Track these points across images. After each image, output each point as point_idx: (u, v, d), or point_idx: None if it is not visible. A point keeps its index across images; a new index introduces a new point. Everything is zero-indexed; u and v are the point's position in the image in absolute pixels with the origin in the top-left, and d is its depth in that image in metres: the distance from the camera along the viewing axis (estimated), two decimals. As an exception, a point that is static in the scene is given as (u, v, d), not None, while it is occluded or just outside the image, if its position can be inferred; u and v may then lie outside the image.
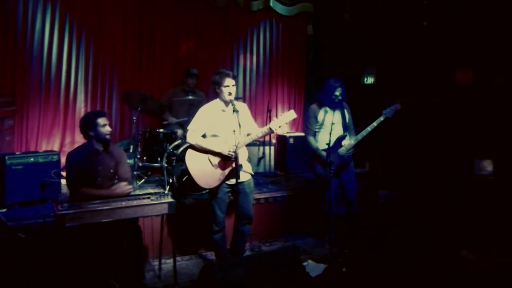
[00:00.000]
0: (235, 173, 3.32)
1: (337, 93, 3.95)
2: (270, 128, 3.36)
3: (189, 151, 3.52)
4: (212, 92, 3.55)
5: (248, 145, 3.56)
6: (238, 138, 3.30)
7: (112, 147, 3.36)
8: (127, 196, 3.19)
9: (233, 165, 3.36)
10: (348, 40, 6.42)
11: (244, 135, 3.45)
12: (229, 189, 3.54)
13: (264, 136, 3.72)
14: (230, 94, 3.40)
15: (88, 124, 3.18)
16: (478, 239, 4.18)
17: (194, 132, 3.45)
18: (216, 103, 3.53)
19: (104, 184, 3.25)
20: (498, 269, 3.58)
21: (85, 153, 3.22)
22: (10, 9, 4.74)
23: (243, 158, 3.48)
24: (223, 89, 3.39)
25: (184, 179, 4.14)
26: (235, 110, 3.32)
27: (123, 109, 5.56)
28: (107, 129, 3.21)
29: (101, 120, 3.19)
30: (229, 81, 3.39)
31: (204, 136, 3.51)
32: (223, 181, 3.47)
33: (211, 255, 4.14)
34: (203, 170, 3.45)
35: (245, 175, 3.53)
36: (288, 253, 3.15)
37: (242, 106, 3.60)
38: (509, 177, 4.88)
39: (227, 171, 3.44)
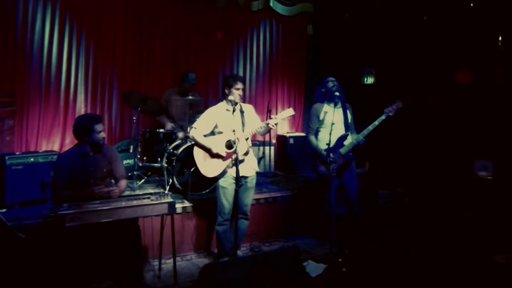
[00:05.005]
0: (239, 166, 3.48)
1: (330, 83, 4.04)
2: (267, 124, 3.58)
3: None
4: (221, 93, 3.80)
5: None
6: (239, 136, 3.53)
7: (105, 148, 3.38)
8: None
9: (233, 157, 3.53)
10: (348, 40, 6.42)
11: (250, 130, 3.68)
12: (234, 181, 3.65)
13: (264, 134, 3.84)
14: (240, 96, 3.69)
15: (84, 130, 3.19)
16: (478, 239, 4.18)
17: (195, 129, 3.73)
18: (222, 104, 3.79)
19: (97, 184, 3.25)
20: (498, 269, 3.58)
21: (76, 155, 3.23)
22: (10, 9, 4.74)
23: (249, 154, 3.76)
24: (235, 91, 3.67)
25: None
26: (237, 110, 3.58)
27: (123, 109, 5.56)
28: (102, 135, 3.26)
29: (98, 127, 3.21)
30: (240, 84, 3.69)
31: (213, 132, 3.78)
32: (225, 171, 3.68)
33: (211, 254, 4.14)
34: (206, 160, 3.70)
35: (251, 171, 3.76)
36: (288, 253, 3.15)
37: (248, 107, 3.89)
38: (509, 177, 4.88)
39: (227, 161, 3.67)
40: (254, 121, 3.80)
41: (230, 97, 3.64)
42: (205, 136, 3.73)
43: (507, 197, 4.65)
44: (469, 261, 3.76)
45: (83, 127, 3.20)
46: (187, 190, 4.33)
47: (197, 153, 3.74)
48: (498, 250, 3.86)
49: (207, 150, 3.68)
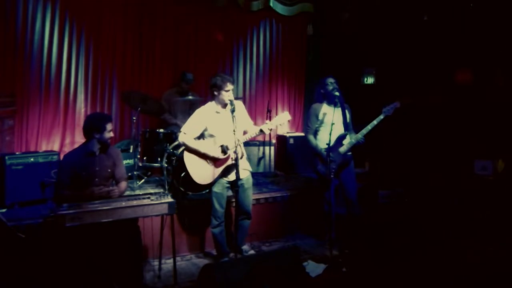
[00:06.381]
0: (233, 170, 3.43)
1: (329, 85, 4.03)
2: (261, 130, 3.51)
3: (187, 151, 3.66)
4: (210, 94, 3.64)
5: (248, 145, 3.63)
6: (230, 138, 3.43)
7: (110, 148, 3.39)
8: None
9: (230, 161, 3.52)
10: (348, 40, 6.42)
11: (241, 134, 3.58)
12: (228, 185, 3.68)
13: (258, 136, 3.79)
14: (229, 97, 3.53)
15: (96, 127, 3.21)
16: (478, 239, 4.19)
17: (185, 135, 3.59)
18: (211, 106, 3.65)
19: (102, 184, 3.26)
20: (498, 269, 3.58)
21: (82, 155, 3.24)
22: (10, 9, 4.73)
23: (243, 156, 3.66)
24: (224, 93, 3.52)
25: (182, 175, 4.17)
26: (233, 110, 3.41)
27: (123, 109, 5.56)
28: (111, 134, 3.29)
29: (109, 126, 3.25)
30: (230, 86, 3.53)
31: (203, 135, 3.64)
32: (219, 177, 3.62)
33: (211, 254, 4.15)
34: (198, 167, 3.59)
35: (244, 172, 3.67)
36: (288, 253, 3.15)
37: (238, 105, 3.68)
38: (509, 177, 4.88)
39: (221, 168, 3.59)
40: (244, 120, 3.71)
41: (220, 99, 3.55)
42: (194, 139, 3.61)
43: (507, 197, 4.65)
44: (469, 261, 3.76)
45: (96, 124, 3.21)
46: (187, 190, 4.32)
47: (188, 159, 3.60)
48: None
49: (201, 155, 3.57)
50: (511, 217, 4.43)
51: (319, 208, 4.25)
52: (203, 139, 3.66)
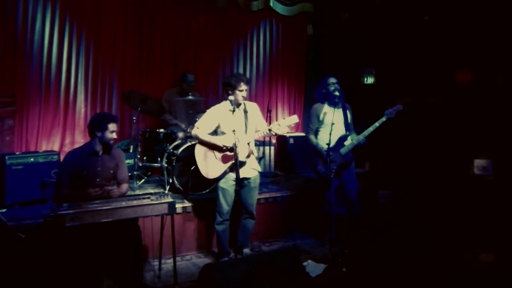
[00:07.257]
0: (240, 167, 3.48)
1: (331, 85, 4.02)
2: (270, 130, 3.57)
3: (198, 144, 3.77)
4: (224, 93, 3.72)
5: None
6: (239, 137, 3.49)
7: (113, 149, 3.39)
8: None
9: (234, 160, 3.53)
10: (348, 40, 6.41)
11: (252, 133, 3.66)
12: (234, 183, 3.67)
13: (265, 136, 3.84)
14: (243, 97, 3.64)
15: (98, 125, 3.21)
16: (478, 239, 4.18)
17: (198, 129, 3.69)
18: (225, 104, 3.71)
19: (103, 184, 3.25)
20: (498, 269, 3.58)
21: (84, 154, 3.24)
22: (10, 9, 4.74)
23: (251, 156, 3.71)
24: (238, 92, 3.60)
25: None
26: (240, 110, 3.57)
27: (123, 109, 5.56)
28: (114, 136, 3.27)
29: (112, 126, 3.24)
30: (244, 86, 3.60)
31: (216, 132, 3.73)
32: (226, 173, 3.66)
33: (211, 254, 4.14)
34: (207, 160, 3.66)
35: (252, 171, 3.73)
36: (288, 253, 3.15)
37: (252, 107, 3.81)
38: (509, 177, 4.88)
39: (229, 164, 3.63)
40: (258, 121, 3.76)
41: (232, 98, 3.59)
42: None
43: (507, 197, 4.65)
44: (469, 261, 3.76)
45: (98, 122, 3.22)
46: (187, 190, 4.33)
47: (199, 152, 3.70)
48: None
49: (211, 146, 3.63)
50: (511, 217, 4.42)
51: (319, 208, 4.25)
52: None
